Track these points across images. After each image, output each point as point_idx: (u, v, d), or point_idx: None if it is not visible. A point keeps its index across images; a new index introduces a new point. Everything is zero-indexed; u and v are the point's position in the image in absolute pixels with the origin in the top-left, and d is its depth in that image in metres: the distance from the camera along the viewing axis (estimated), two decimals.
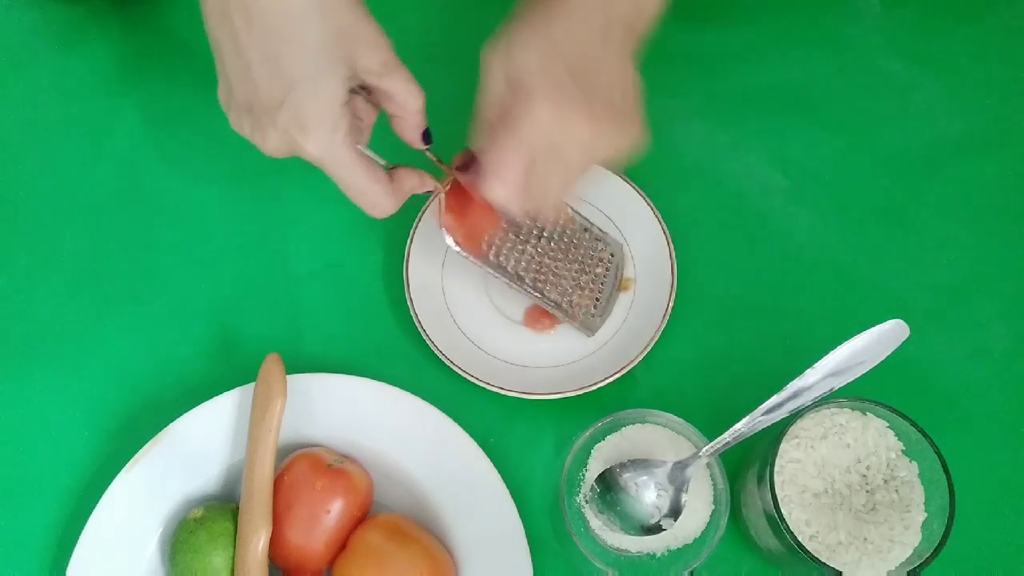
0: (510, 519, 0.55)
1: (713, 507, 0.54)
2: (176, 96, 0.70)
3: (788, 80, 0.70)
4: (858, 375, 0.49)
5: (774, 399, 0.50)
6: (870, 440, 0.51)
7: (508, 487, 0.55)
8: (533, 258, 0.60)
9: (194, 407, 0.56)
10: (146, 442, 0.55)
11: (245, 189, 0.67)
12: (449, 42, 0.72)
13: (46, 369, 0.62)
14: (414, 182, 0.51)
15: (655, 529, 0.52)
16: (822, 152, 0.68)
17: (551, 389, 0.58)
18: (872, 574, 0.49)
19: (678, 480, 0.52)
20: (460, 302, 0.63)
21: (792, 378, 0.50)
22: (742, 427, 0.50)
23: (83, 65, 0.72)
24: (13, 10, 0.74)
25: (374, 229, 0.66)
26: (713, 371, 0.61)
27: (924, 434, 0.49)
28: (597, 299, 0.61)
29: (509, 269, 0.58)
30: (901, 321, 0.49)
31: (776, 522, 0.48)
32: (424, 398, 0.57)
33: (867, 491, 0.51)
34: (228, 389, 0.57)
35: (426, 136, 0.50)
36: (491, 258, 0.57)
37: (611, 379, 0.58)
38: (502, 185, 0.48)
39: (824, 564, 0.47)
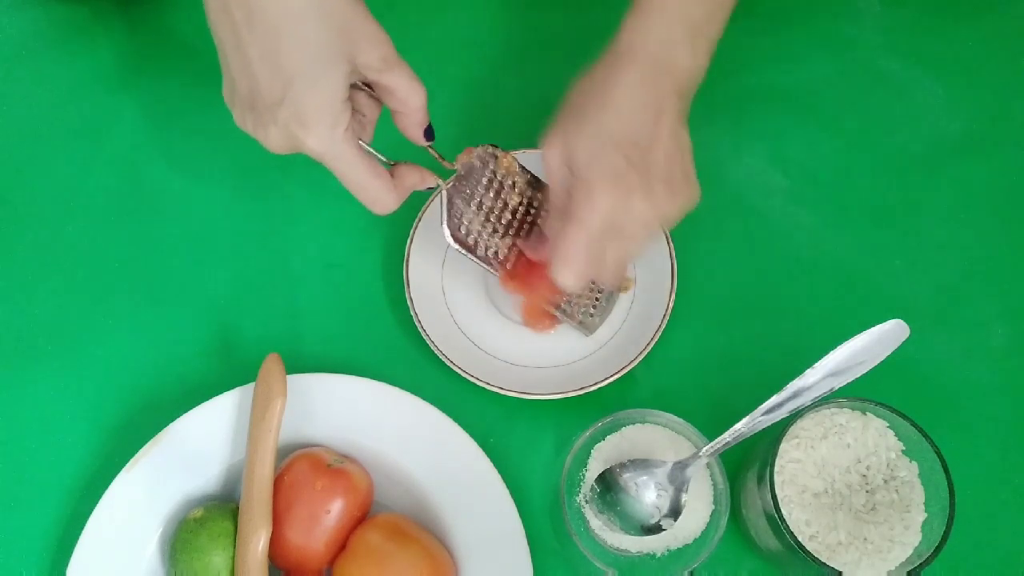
0: (510, 519, 0.55)
1: (713, 507, 0.54)
2: (177, 95, 0.71)
3: (788, 80, 0.70)
4: (858, 375, 0.49)
5: (774, 399, 0.50)
6: (870, 440, 0.51)
7: (508, 487, 0.55)
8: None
9: (194, 407, 0.56)
10: (146, 442, 0.55)
11: (245, 189, 0.67)
12: (451, 40, 0.72)
13: (46, 369, 0.62)
14: (415, 179, 0.51)
15: (655, 529, 0.52)
16: (822, 152, 0.68)
17: (551, 389, 0.58)
18: (872, 574, 0.49)
19: (678, 480, 0.52)
20: (460, 302, 0.63)
21: (792, 378, 0.50)
22: (742, 427, 0.50)
23: (84, 64, 0.72)
24: (14, 9, 0.74)
25: (374, 229, 0.66)
26: (713, 371, 0.61)
27: (924, 434, 0.49)
28: (597, 299, 0.61)
29: (509, 268, 0.58)
30: (901, 321, 0.49)
31: (776, 522, 0.48)
32: (424, 398, 0.57)
33: (867, 491, 0.51)
34: (228, 389, 0.57)
35: (428, 132, 0.50)
36: (491, 257, 0.57)
37: (611, 379, 0.58)
38: (570, 272, 0.51)
39: (824, 564, 0.47)
